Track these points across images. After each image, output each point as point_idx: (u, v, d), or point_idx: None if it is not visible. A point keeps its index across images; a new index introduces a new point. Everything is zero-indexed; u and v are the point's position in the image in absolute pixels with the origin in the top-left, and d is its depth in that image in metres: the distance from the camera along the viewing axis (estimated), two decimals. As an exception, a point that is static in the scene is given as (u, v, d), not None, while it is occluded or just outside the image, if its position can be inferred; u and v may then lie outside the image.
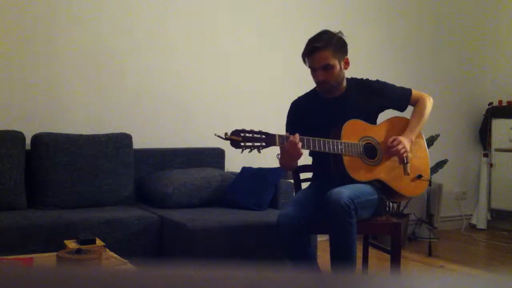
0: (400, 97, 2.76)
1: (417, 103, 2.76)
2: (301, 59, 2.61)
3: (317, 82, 2.61)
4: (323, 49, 2.52)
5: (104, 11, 3.69)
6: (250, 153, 2.34)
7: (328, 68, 2.55)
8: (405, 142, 2.61)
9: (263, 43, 4.22)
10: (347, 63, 2.62)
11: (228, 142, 2.28)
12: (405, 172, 2.63)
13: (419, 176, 2.70)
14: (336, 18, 4.37)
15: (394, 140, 2.60)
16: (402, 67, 4.71)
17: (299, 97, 2.79)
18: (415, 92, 2.78)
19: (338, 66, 2.57)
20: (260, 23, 4.21)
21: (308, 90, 2.81)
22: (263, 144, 2.30)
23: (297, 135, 2.36)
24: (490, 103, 4.99)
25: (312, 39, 2.58)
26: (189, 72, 3.97)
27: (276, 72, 4.25)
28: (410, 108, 2.81)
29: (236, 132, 2.26)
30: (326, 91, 2.65)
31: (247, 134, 2.27)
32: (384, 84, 2.75)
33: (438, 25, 4.93)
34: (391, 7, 4.71)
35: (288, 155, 2.42)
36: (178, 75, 3.94)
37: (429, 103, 2.76)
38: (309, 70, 2.62)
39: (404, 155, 2.61)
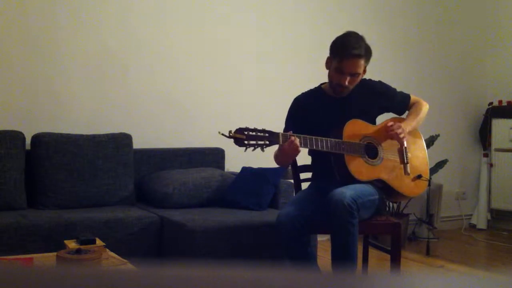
0: (400, 101, 2.78)
1: (413, 105, 2.79)
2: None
3: (338, 84, 2.59)
4: (362, 57, 2.53)
5: (104, 11, 3.69)
6: (253, 151, 2.34)
7: (356, 75, 2.56)
8: (403, 127, 2.61)
9: (263, 43, 4.21)
10: (365, 71, 2.64)
11: (229, 141, 2.28)
12: (405, 172, 2.63)
13: (419, 176, 2.70)
14: (336, 17, 4.37)
15: (393, 124, 2.61)
16: (402, 67, 4.71)
17: (302, 93, 2.79)
18: (413, 97, 2.81)
19: (362, 74, 2.60)
20: (261, 23, 4.21)
21: (307, 89, 2.81)
22: (267, 142, 2.30)
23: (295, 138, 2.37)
24: (490, 103, 4.99)
25: (351, 43, 2.53)
26: (190, 72, 3.97)
27: (276, 72, 4.24)
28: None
29: (239, 130, 2.27)
30: (338, 93, 2.65)
31: (250, 133, 2.28)
32: (387, 86, 2.77)
33: (438, 25, 4.93)
34: (391, 7, 4.70)
35: (286, 154, 2.42)
36: (178, 75, 3.93)
37: (425, 107, 2.79)
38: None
39: (402, 137, 2.59)
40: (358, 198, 2.40)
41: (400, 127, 2.60)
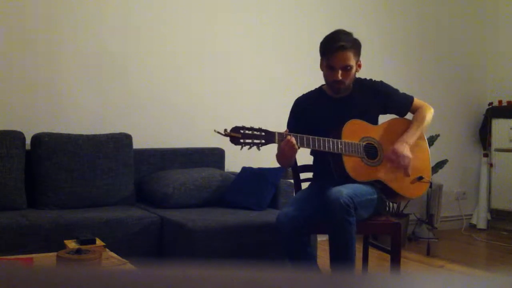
0: (402, 102, 2.76)
1: (418, 111, 2.75)
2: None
3: (332, 81, 2.59)
4: (348, 49, 2.53)
5: (104, 12, 3.69)
6: (249, 150, 2.34)
7: (348, 69, 2.55)
8: (403, 151, 2.58)
9: (263, 43, 4.22)
10: (359, 66, 2.64)
11: (228, 141, 2.28)
12: (406, 174, 2.62)
13: (420, 178, 2.69)
14: (336, 18, 4.37)
15: (393, 153, 2.58)
16: (402, 67, 4.71)
17: (303, 95, 2.79)
18: (417, 100, 2.78)
19: (354, 68, 2.59)
20: (260, 23, 4.21)
21: (307, 90, 2.81)
22: (262, 141, 2.31)
23: (292, 138, 2.37)
24: (490, 103, 4.99)
25: (335, 38, 2.55)
26: (189, 72, 3.97)
27: (276, 72, 4.24)
28: (410, 114, 2.81)
29: (235, 129, 2.27)
30: (337, 91, 2.65)
31: (246, 131, 2.28)
32: (388, 87, 2.75)
33: (439, 25, 4.93)
34: (392, 7, 4.71)
35: (284, 154, 2.43)
36: (178, 75, 3.93)
37: (430, 112, 2.75)
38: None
39: (407, 163, 2.58)
40: (355, 196, 2.40)
41: (399, 155, 2.56)
